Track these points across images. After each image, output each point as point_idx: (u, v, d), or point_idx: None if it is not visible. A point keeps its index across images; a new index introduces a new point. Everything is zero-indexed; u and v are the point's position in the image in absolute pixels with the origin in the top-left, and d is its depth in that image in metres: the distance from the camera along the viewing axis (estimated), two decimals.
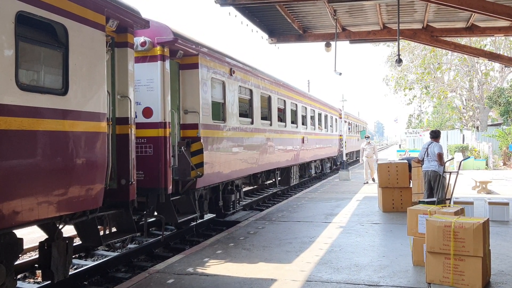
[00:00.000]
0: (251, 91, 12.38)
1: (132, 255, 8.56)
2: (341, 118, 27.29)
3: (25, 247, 5.65)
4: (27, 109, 4.64)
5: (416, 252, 6.55)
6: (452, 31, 12.40)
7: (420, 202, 8.64)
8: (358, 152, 42.06)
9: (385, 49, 41.59)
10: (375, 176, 16.01)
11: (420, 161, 10.50)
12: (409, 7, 10.91)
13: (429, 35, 12.38)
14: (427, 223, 5.77)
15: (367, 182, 18.92)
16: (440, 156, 9.86)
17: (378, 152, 22.64)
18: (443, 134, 35.27)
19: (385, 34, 12.61)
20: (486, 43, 32.03)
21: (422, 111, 55.12)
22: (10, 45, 4.47)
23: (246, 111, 12.39)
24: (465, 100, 39.32)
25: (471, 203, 10.18)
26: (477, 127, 36.91)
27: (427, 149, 10.13)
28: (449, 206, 7.61)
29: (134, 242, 9.75)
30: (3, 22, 4.39)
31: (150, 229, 10.60)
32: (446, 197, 9.82)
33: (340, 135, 27.22)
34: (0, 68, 4.34)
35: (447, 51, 26.45)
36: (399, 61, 11.25)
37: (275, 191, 17.66)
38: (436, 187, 9.69)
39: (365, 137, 21.03)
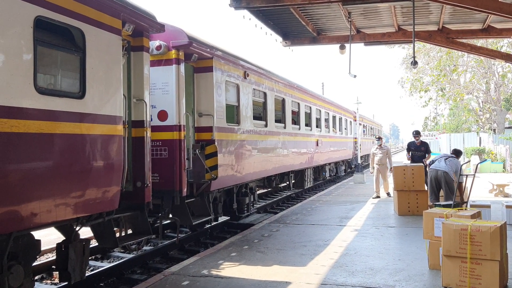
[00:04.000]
0: (265, 94, 12.40)
1: (148, 257, 8.62)
2: (355, 120, 27.17)
3: (42, 248, 5.72)
4: (45, 113, 4.72)
5: (432, 256, 6.49)
6: (468, 33, 12.27)
7: (436, 205, 8.55)
8: None
9: (400, 51, 41.28)
10: (391, 190, 13.63)
11: (429, 165, 10.42)
12: (424, 9, 10.82)
13: (444, 37, 12.27)
14: (443, 227, 5.71)
15: (378, 196, 14.78)
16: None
17: (393, 156, 18.39)
18: (459, 136, 34.93)
19: (400, 36, 12.52)
20: (503, 44, 31.61)
21: (438, 113, 54.58)
22: (28, 50, 4.55)
23: (260, 114, 12.41)
24: (482, 102, 38.83)
25: (488, 206, 10.06)
26: (494, 130, 36.39)
27: (445, 159, 9.79)
28: (465, 209, 7.52)
29: (149, 244, 9.81)
30: (22, 27, 4.47)
31: (165, 231, 10.67)
32: (463, 200, 9.70)
33: (355, 138, 27.09)
34: (19, 72, 4.42)
35: (463, 53, 26.17)
36: (415, 63, 11.16)
37: (289, 194, 17.64)
38: (446, 189, 9.53)
39: (376, 138, 16.04)
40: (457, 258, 5.52)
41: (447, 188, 9.54)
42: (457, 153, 10.34)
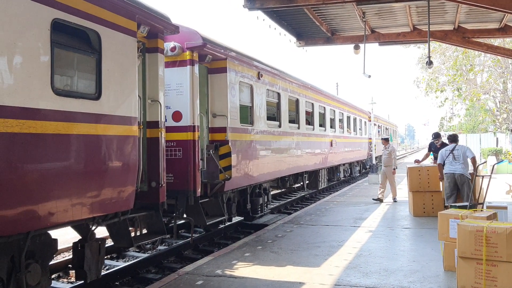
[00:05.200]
0: (278, 94, 12.41)
1: (162, 257, 8.69)
2: (370, 121, 27.01)
3: (59, 247, 5.81)
4: (62, 114, 4.80)
5: (447, 257, 6.44)
6: (484, 32, 12.12)
7: (451, 207, 8.48)
8: None
9: (416, 50, 40.93)
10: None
11: (440, 164, 10.36)
12: (439, 8, 10.72)
13: (460, 36, 12.13)
14: (458, 228, 5.66)
15: (379, 199, 13.90)
16: (474, 160, 9.85)
17: (398, 159, 17.05)
18: (476, 137, 34.51)
19: (415, 35, 12.42)
20: None
21: (454, 113, 53.98)
22: (46, 52, 4.63)
23: (273, 115, 12.42)
24: (499, 102, 38.27)
25: (505, 207, 9.88)
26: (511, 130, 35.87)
27: (451, 151, 9.95)
28: (481, 210, 7.44)
29: (164, 244, 9.89)
30: (39, 30, 4.55)
31: (180, 231, 10.74)
32: (479, 202, 9.60)
33: (370, 138, 26.93)
34: (36, 74, 4.50)
35: (479, 52, 25.84)
36: (430, 63, 11.07)
37: (303, 194, 17.61)
38: (465, 190, 9.58)
39: (382, 139, 15.08)
40: (473, 259, 5.47)
41: (467, 190, 9.61)
42: (456, 138, 10.43)
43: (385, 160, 14.10)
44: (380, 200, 13.89)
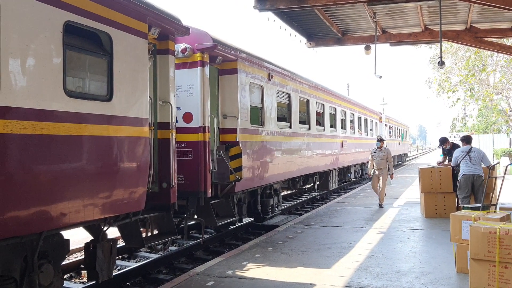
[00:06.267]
0: (289, 95, 12.39)
1: (173, 257, 8.72)
2: (381, 121, 26.88)
3: (71, 248, 5.85)
4: (74, 115, 4.84)
5: (459, 259, 6.38)
6: (497, 32, 12.00)
7: (464, 208, 8.40)
8: (400, 156, 41.23)
9: (427, 51, 40.60)
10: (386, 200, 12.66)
11: (454, 167, 10.29)
12: (451, 8, 10.64)
13: (473, 36, 12.02)
14: (471, 229, 5.60)
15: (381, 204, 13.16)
16: (488, 168, 9.85)
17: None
18: (489, 137, 34.15)
19: (426, 36, 12.33)
20: None
21: (467, 114, 53.47)
22: (58, 54, 4.68)
23: (284, 115, 12.41)
24: None
25: None
26: None
27: (468, 153, 9.89)
28: (494, 212, 7.36)
29: (174, 245, 9.92)
30: (52, 32, 4.60)
31: (190, 232, 10.77)
32: (492, 203, 9.50)
33: None
34: (49, 76, 4.54)
35: (492, 52, 25.57)
36: (442, 63, 10.98)
37: (313, 195, 17.58)
38: (481, 192, 9.50)
39: (378, 139, 13.67)
40: (486, 261, 5.41)
41: (482, 191, 9.57)
42: (468, 140, 10.36)
43: (379, 162, 12.99)
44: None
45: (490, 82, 36.47)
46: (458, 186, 10.11)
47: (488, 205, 9.09)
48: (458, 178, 10.11)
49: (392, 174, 13.67)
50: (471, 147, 10.05)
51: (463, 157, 9.92)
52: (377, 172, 13.11)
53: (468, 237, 5.71)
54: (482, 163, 9.98)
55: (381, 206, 13.06)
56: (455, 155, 10.31)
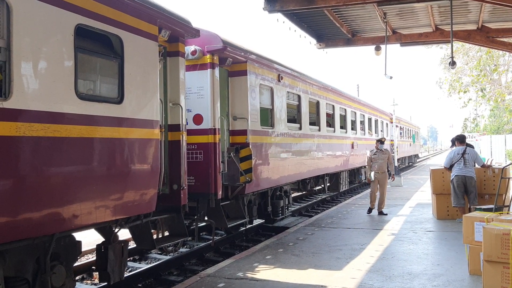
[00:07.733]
0: (299, 96, 12.37)
1: (184, 259, 8.74)
2: (392, 122, 26.73)
3: (83, 249, 5.89)
4: (86, 118, 4.87)
5: (472, 261, 6.31)
6: (509, 32, 11.88)
7: (476, 209, 8.32)
8: (410, 157, 40.97)
9: (438, 51, 40.32)
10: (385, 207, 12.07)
11: (447, 168, 10.36)
12: (462, 8, 10.55)
13: (484, 36, 11.92)
14: (484, 231, 5.55)
15: (371, 212, 12.15)
16: (483, 166, 10.49)
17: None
18: (501, 138, 33.81)
19: (437, 36, 12.25)
20: None
21: (478, 114, 52.98)
22: (69, 57, 4.71)
23: (294, 117, 12.39)
24: None
25: None
26: None
27: (462, 155, 9.98)
28: (507, 213, 7.29)
29: (185, 246, 9.94)
30: (63, 35, 4.63)
31: (201, 234, 10.78)
32: (505, 204, 9.41)
33: (392, 140, 26.65)
34: (60, 79, 4.58)
35: (504, 52, 25.32)
36: (453, 63, 10.91)
37: (324, 197, 17.51)
38: (474, 192, 9.84)
39: (378, 141, 12.59)
40: (499, 263, 5.35)
41: (475, 192, 9.88)
42: (463, 140, 10.45)
43: (380, 165, 12.01)
44: (370, 211, 12.19)
45: (502, 82, 36.11)
46: (451, 187, 10.19)
47: (501, 206, 9.00)
48: (450, 179, 10.22)
49: (393, 175, 13.11)
50: (466, 148, 10.12)
51: (459, 159, 9.96)
52: (377, 176, 12.10)
53: (481, 239, 5.66)
54: (475, 164, 10.19)
55: (382, 213, 11.98)
56: (449, 156, 10.34)
